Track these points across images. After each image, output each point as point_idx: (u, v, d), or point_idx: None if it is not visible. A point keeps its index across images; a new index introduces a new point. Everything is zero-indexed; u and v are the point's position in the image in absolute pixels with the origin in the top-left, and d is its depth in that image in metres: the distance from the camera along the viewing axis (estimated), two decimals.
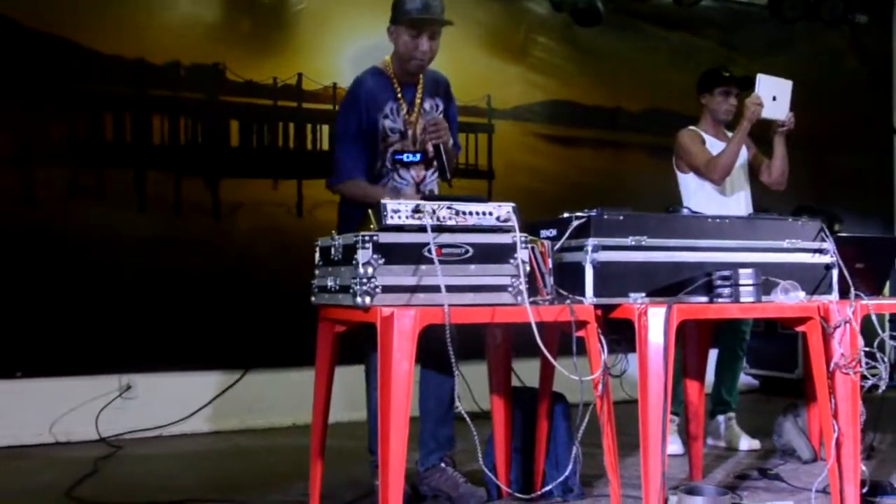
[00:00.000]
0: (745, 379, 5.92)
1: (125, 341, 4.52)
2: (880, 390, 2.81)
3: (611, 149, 5.74)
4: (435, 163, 3.14)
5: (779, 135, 4.03)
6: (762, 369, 5.90)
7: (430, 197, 2.81)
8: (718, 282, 2.76)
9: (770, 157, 4.12)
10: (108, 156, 4.58)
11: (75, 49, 4.49)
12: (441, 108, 3.23)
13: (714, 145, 4.14)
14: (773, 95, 3.85)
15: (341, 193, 3.13)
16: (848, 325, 2.80)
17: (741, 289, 2.74)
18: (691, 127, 4.20)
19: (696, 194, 4.09)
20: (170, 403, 4.58)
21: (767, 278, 2.78)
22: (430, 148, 3.12)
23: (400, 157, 3.07)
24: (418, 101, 3.15)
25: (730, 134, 4.14)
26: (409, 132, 3.15)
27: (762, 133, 4.09)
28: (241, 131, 4.86)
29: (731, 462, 3.83)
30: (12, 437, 4.25)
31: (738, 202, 4.13)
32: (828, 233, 2.99)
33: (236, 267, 4.74)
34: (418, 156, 3.08)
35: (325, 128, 4.98)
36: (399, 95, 3.14)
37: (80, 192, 4.52)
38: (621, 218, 2.72)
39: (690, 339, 3.46)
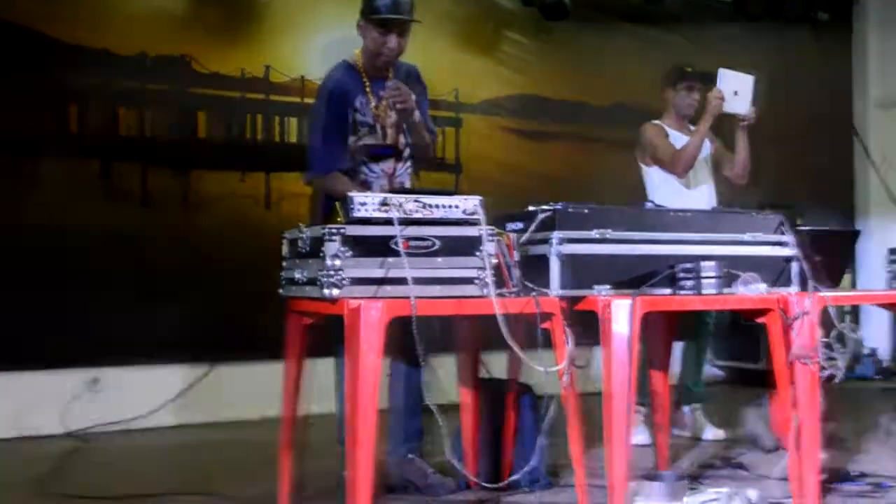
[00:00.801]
0: (710, 370, 6.00)
1: (92, 334, 4.47)
2: (837, 380, 2.87)
3: (577, 143, 5.80)
4: (405, 139, 3.13)
5: (741, 129, 4.09)
6: (728, 360, 5.99)
7: (398, 190, 2.82)
8: (681, 274, 2.80)
9: (733, 151, 4.17)
10: (74, 147, 4.53)
11: (40, 39, 4.43)
12: (416, 99, 3.23)
13: (677, 139, 4.19)
14: (735, 90, 3.91)
15: (322, 188, 3.12)
16: (807, 316, 2.85)
17: (703, 281, 2.78)
18: (655, 121, 4.24)
19: (660, 187, 4.14)
20: (138, 397, 4.55)
21: (729, 270, 2.82)
22: (393, 115, 3.10)
23: (372, 150, 3.07)
24: (385, 97, 3.15)
25: (693, 128, 4.19)
26: (378, 125, 3.15)
27: (727, 128, 4.14)
28: (209, 123, 4.84)
29: (697, 452, 3.89)
30: None
31: (701, 195, 4.19)
32: (788, 226, 3.04)
33: (204, 259, 4.71)
34: (387, 150, 3.09)
35: (293, 120, 4.97)
36: (368, 89, 3.15)
37: (45, 183, 4.46)
38: (586, 211, 2.75)
39: (655, 331, 3.50)
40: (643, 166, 4.23)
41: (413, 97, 3.07)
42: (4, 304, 4.32)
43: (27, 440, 4.25)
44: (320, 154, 3.10)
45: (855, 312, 6.21)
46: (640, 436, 3.91)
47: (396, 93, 3.04)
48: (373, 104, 3.15)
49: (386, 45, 3.07)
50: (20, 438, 4.27)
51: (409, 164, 3.24)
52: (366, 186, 3.09)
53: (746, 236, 2.99)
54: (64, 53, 4.48)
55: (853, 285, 6.25)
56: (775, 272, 2.98)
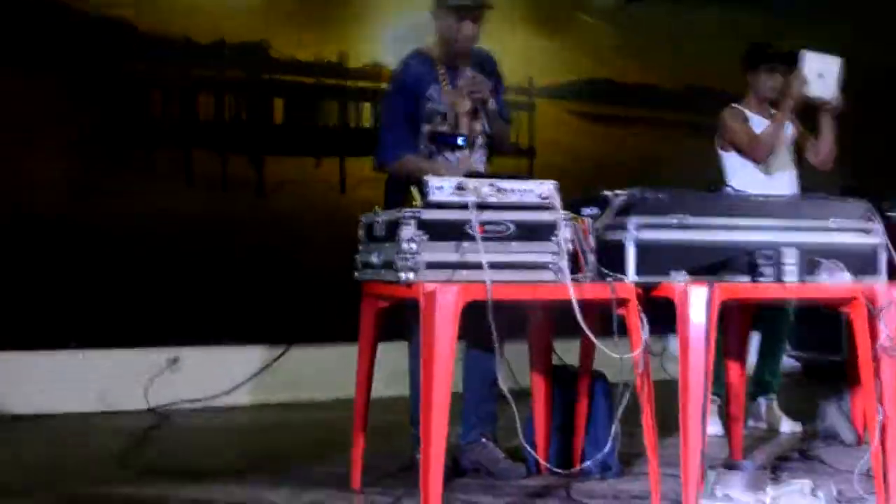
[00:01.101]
0: (787, 361, 5.84)
1: (174, 315, 4.60)
2: None
3: (652, 127, 5.68)
4: (483, 129, 3.12)
5: (826, 114, 3.94)
6: (805, 351, 5.82)
7: (474, 174, 2.81)
8: (761, 261, 2.73)
9: (817, 135, 4.04)
10: (156, 134, 4.66)
11: (122, 28, 4.55)
12: (491, 87, 3.20)
13: (758, 123, 4.06)
14: (820, 73, 3.75)
15: (393, 173, 3.14)
16: (895, 307, 2.75)
17: (784, 268, 2.71)
18: (734, 104, 4.12)
19: (740, 173, 4.02)
20: (216, 376, 4.66)
21: (811, 258, 2.75)
22: (467, 103, 3.10)
23: (445, 139, 3.07)
24: (461, 87, 3.13)
25: (775, 112, 4.07)
26: (452, 113, 3.14)
27: (813, 111, 4.00)
28: (285, 109, 4.90)
29: (772, 444, 3.80)
30: (65, 405, 4.36)
31: (782, 182, 4.05)
32: (875, 212, 2.93)
33: (281, 243, 4.79)
34: (462, 139, 3.08)
35: (368, 106, 5.00)
36: (442, 78, 3.15)
37: (129, 170, 4.60)
38: (663, 197, 2.70)
39: (732, 320, 3.43)
40: (722, 151, 4.12)
41: (488, 86, 3.06)
42: (92, 286, 4.48)
43: (111, 415, 4.40)
44: (388, 142, 3.12)
45: None
46: (714, 426, 3.84)
47: (472, 83, 3.03)
48: (446, 92, 3.15)
49: (461, 33, 3.05)
50: (105, 413, 4.42)
51: (483, 151, 3.23)
52: (448, 167, 3.09)
53: (830, 223, 2.89)
54: (145, 42, 4.59)
55: None
56: (861, 261, 2.87)
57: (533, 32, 5.38)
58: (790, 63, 3.96)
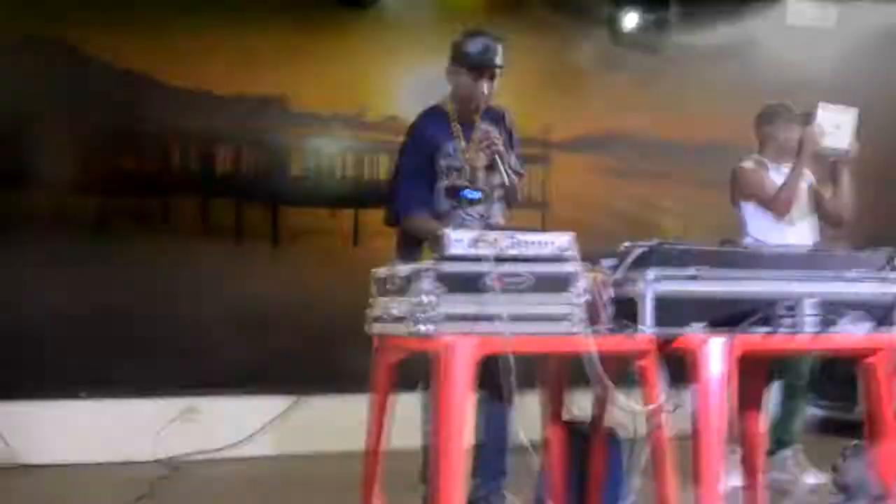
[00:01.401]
0: (807, 414, 5.76)
1: (186, 364, 4.59)
2: None
3: (667, 182, 5.68)
4: (498, 183, 3.13)
5: (842, 166, 3.94)
6: (825, 405, 5.75)
7: (491, 227, 2.82)
8: (781, 313, 2.71)
9: (834, 188, 4.03)
10: (175, 185, 4.70)
11: (146, 82, 4.63)
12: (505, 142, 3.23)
13: (776, 176, 4.07)
14: (835, 125, 3.77)
15: (404, 230, 3.15)
16: None
17: (805, 319, 2.68)
18: (754, 155, 4.13)
19: (759, 224, 4.01)
20: (227, 426, 4.63)
21: (832, 309, 2.72)
22: (482, 157, 3.11)
23: (463, 193, 3.09)
24: (477, 141, 3.15)
25: (793, 164, 4.07)
26: (468, 168, 3.16)
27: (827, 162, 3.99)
28: (302, 161, 4.96)
29: (795, 497, 3.73)
30: (75, 455, 4.33)
31: (802, 232, 4.03)
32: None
33: (295, 293, 4.80)
34: (479, 193, 3.09)
35: (384, 158, 5.04)
36: (457, 134, 3.17)
37: (147, 219, 4.63)
38: (681, 249, 2.69)
39: (750, 372, 3.39)
40: (740, 203, 4.10)
41: (501, 141, 3.08)
42: (104, 334, 4.48)
43: (120, 465, 4.37)
44: (401, 197, 3.13)
45: None
46: (734, 479, 3.78)
47: (486, 137, 3.05)
48: (462, 148, 3.16)
49: (476, 91, 3.08)
50: (113, 463, 4.39)
51: (499, 205, 3.24)
52: (460, 225, 3.10)
53: (851, 273, 2.87)
54: (167, 95, 4.66)
55: None
56: (883, 311, 2.84)
57: (550, 85, 5.43)
58: (807, 117, 3.97)
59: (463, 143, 3.17)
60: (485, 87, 3.09)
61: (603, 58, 5.55)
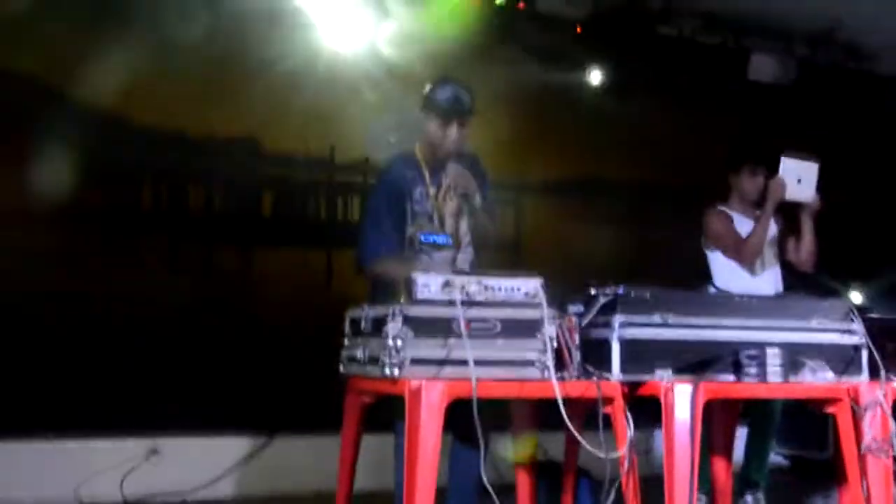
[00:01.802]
0: (774, 458, 5.80)
1: (153, 404, 4.54)
2: None
3: (638, 225, 5.76)
4: (467, 228, 3.15)
5: (806, 215, 4.03)
6: (792, 448, 5.78)
7: (460, 272, 2.83)
8: (745, 360, 2.75)
9: (797, 236, 4.12)
10: (145, 224, 4.69)
11: (115, 120, 4.63)
12: (476, 189, 3.25)
13: (742, 223, 4.16)
14: (798, 178, 3.88)
15: (371, 274, 3.17)
16: (879, 406, 2.76)
17: (768, 368, 2.72)
18: (719, 206, 4.22)
19: (725, 272, 4.10)
20: (196, 467, 4.57)
21: (795, 358, 2.77)
22: (452, 204, 3.14)
23: (428, 238, 3.11)
24: (446, 185, 3.17)
25: (758, 212, 4.16)
26: (437, 215, 3.18)
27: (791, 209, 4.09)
28: (273, 202, 4.97)
29: None
30: (37, 498, 4.25)
31: (768, 280, 4.12)
32: (856, 313, 2.98)
33: (266, 334, 4.78)
34: (446, 238, 3.11)
35: (356, 200, 5.07)
36: (427, 179, 3.20)
37: (115, 257, 4.61)
38: (648, 295, 2.73)
39: (717, 417, 3.43)
40: (707, 251, 4.20)
41: (474, 183, 3.11)
42: (67, 372, 4.43)
43: None
44: (369, 242, 3.15)
45: None
46: None
47: (457, 176, 3.08)
48: (431, 194, 3.19)
49: (446, 137, 3.11)
50: None
51: (469, 250, 3.26)
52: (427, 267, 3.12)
53: (813, 322, 2.93)
54: (140, 135, 4.65)
55: None
56: (844, 360, 2.90)
57: (521, 128, 5.50)
58: (771, 164, 4.08)
59: (432, 189, 3.20)
60: (453, 134, 3.12)
61: (575, 103, 5.64)
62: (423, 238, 3.12)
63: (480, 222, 3.20)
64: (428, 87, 3.18)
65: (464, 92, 3.13)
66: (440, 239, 3.11)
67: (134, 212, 4.68)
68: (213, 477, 4.59)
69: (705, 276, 4.16)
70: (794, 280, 4.09)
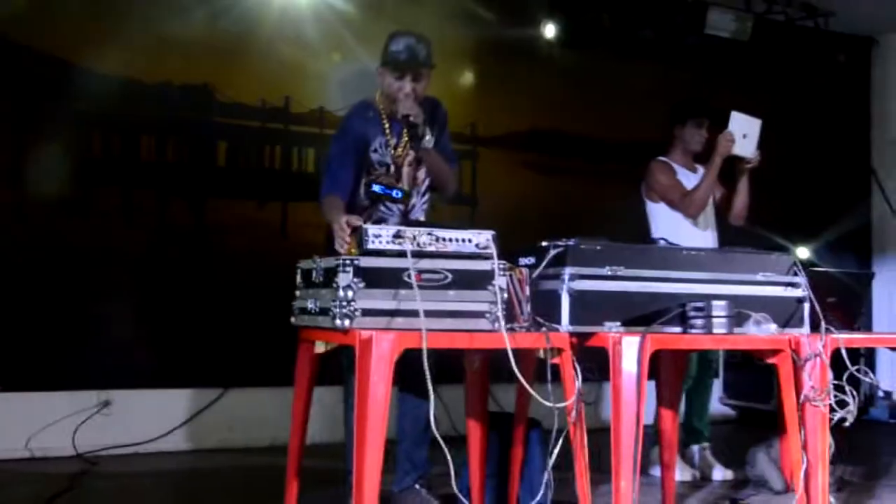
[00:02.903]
0: (721, 409, 5.97)
1: (105, 357, 4.52)
2: (848, 423, 2.86)
3: (592, 179, 5.81)
4: (424, 178, 3.14)
5: (744, 171, 4.10)
6: (739, 400, 5.95)
7: (412, 223, 2.86)
8: (692, 313, 2.81)
9: (732, 192, 4.18)
10: (96, 173, 4.62)
11: (67, 67, 4.52)
12: (433, 135, 3.24)
13: (684, 176, 4.23)
14: (744, 133, 3.97)
15: (322, 210, 3.18)
16: (818, 358, 2.85)
17: (714, 320, 2.79)
18: (661, 157, 4.27)
19: (666, 224, 4.14)
20: (148, 420, 4.58)
21: (740, 311, 2.84)
22: (411, 154, 3.14)
23: (384, 190, 3.12)
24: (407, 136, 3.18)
25: (699, 167, 4.22)
26: (395, 167, 3.20)
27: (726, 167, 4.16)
28: (228, 152, 4.91)
29: (704, 491, 3.87)
30: None
31: (706, 238, 4.20)
32: (800, 267, 3.06)
33: (220, 286, 4.76)
34: (400, 192, 3.13)
35: (311, 151, 5.04)
36: (387, 130, 3.21)
37: (66, 208, 4.54)
38: (598, 248, 2.78)
39: (664, 369, 3.51)
40: (649, 202, 4.26)
41: (420, 114, 3.09)
42: (18, 326, 4.38)
43: (37, 461, 4.28)
44: (323, 182, 3.17)
45: (870, 356, 6.17)
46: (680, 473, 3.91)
47: (408, 106, 3.07)
48: (392, 145, 3.20)
49: (401, 91, 3.11)
50: (30, 459, 4.30)
51: (426, 198, 3.29)
52: (381, 223, 3.13)
53: (759, 276, 3.00)
54: (90, 82, 4.55)
55: (869, 328, 6.22)
56: (787, 313, 2.98)
57: (477, 80, 5.49)
58: (714, 117, 4.14)
59: (392, 140, 3.21)
60: (409, 87, 3.12)
61: (532, 56, 5.64)
62: (376, 189, 3.13)
63: (438, 166, 3.21)
64: (385, 41, 3.18)
65: (419, 44, 3.12)
66: (394, 192, 3.12)
67: (84, 161, 4.59)
68: (166, 429, 4.61)
69: (647, 230, 4.22)
70: (733, 236, 4.16)
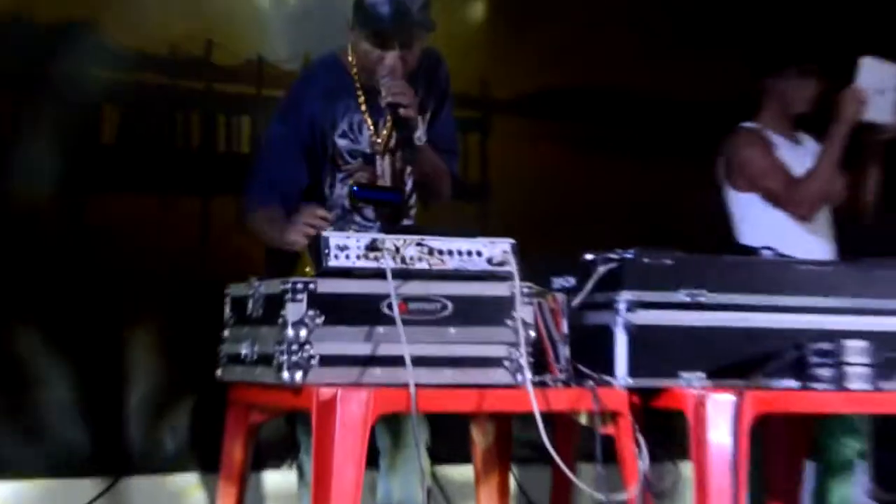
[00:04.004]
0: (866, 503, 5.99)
1: None
2: None
3: (655, 155, 5.78)
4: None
5: (877, 146, 4.12)
6: (889, 490, 5.97)
7: (393, 229, 2.89)
8: (814, 358, 2.86)
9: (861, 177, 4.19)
10: None
11: None
12: (428, 111, 3.29)
13: (787, 150, 4.25)
14: (880, 89, 3.95)
15: (252, 231, 3.23)
16: None
17: (848, 370, 2.83)
18: (749, 124, 4.29)
19: (762, 226, 4.16)
20: None
21: (890, 355, 2.88)
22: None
23: (374, 195, 3.16)
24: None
25: (806, 137, 4.25)
26: (379, 160, 3.23)
27: None
28: (121, 122, 4.93)
29: None
30: None
31: (822, 247, 4.21)
32: None
33: (108, 322, 4.77)
34: (396, 196, 3.15)
35: (246, 120, 5.07)
36: (362, 103, 3.24)
37: None
38: (668, 262, 2.83)
39: (775, 442, 3.55)
40: (732, 191, 4.28)
41: (413, 98, 3.10)
42: None
43: None
44: (252, 186, 3.22)
45: None
46: None
47: (391, 87, 3.07)
48: (369, 125, 3.23)
49: (383, 64, 3.12)
50: None
51: (412, 197, 3.34)
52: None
53: None
54: None
55: None
56: None
57: (490, 24, 5.52)
58: (828, 67, 4.15)
59: (369, 119, 3.24)
60: (393, 59, 3.10)
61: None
62: (363, 194, 3.15)
63: (429, 163, 3.24)
64: None
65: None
66: (390, 197, 3.14)
67: None
68: None
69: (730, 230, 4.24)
70: (860, 243, 4.14)
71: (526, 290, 2.64)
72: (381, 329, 2.53)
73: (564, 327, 2.73)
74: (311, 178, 3.22)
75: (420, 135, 3.14)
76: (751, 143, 4.26)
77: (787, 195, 4.16)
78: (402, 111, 3.07)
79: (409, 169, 3.27)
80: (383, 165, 3.25)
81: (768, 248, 3.35)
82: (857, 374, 2.84)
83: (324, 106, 3.23)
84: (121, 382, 4.73)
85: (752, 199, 4.25)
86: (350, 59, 3.27)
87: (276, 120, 3.31)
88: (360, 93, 3.25)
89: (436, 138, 3.30)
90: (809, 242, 4.15)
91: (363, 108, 3.25)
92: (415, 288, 2.56)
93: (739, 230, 4.25)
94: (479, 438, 3.18)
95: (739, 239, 4.16)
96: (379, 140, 3.25)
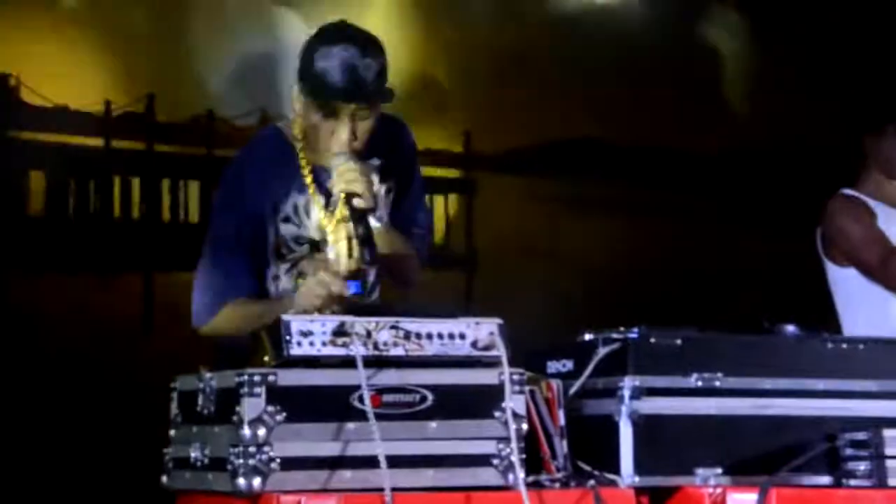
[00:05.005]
0: None
1: None
2: None
3: (665, 214, 5.82)
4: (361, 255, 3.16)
5: None
6: None
7: (364, 309, 2.90)
8: (849, 451, 2.87)
9: None
10: None
11: None
12: (392, 188, 3.28)
13: (891, 220, 4.26)
14: None
15: (215, 333, 3.24)
16: None
17: (889, 463, 2.84)
18: (848, 191, 4.32)
19: (863, 304, 4.20)
20: None
21: None
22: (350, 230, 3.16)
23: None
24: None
25: None
26: (332, 243, 3.21)
27: None
28: (49, 190, 4.95)
29: None
30: None
31: None
32: None
33: (36, 416, 4.77)
34: (358, 286, 3.12)
35: (194, 185, 5.08)
36: (308, 181, 3.24)
37: None
38: (678, 342, 2.84)
39: None
40: (832, 265, 4.30)
41: (367, 182, 3.10)
42: None
43: None
44: (199, 292, 3.23)
45: None
46: None
47: (344, 172, 3.05)
48: (319, 206, 3.22)
49: (334, 138, 3.11)
50: None
51: (376, 289, 3.32)
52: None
53: None
54: None
55: None
56: None
57: (469, 71, 5.56)
58: None
59: (318, 198, 3.23)
60: (346, 132, 3.09)
61: (547, 43, 5.70)
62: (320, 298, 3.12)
63: (394, 244, 3.22)
64: (306, 47, 3.13)
65: (365, 58, 3.07)
66: (352, 288, 3.11)
67: None
68: None
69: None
70: None
71: (517, 376, 2.64)
72: (351, 426, 2.53)
73: (561, 419, 2.74)
74: (257, 278, 3.24)
75: (381, 214, 3.16)
76: (850, 212, 4.27)
77: (879, 268, 4.19)
78: (355, 202, 3.04)
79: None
80: (337, 250, 3.21)
81: (794, 327, 3.38)
82: None
83: (263, 189, 3.24)
84: (50, 489, 4.72)
85: (849, 276, 4.27)
86: (295, 132, 3.29)
87: (218, 213, 3.30)
88: (305, 171, 3.26)
89: (402, 220, 3.30)
90: None
91: (310, 188, 3.26)
92: (390, 377, 2.57)
93: (840, 309, 4.27)
94: None
95: (843, 319, 4.19)
96: (324, 222, 3.22)
